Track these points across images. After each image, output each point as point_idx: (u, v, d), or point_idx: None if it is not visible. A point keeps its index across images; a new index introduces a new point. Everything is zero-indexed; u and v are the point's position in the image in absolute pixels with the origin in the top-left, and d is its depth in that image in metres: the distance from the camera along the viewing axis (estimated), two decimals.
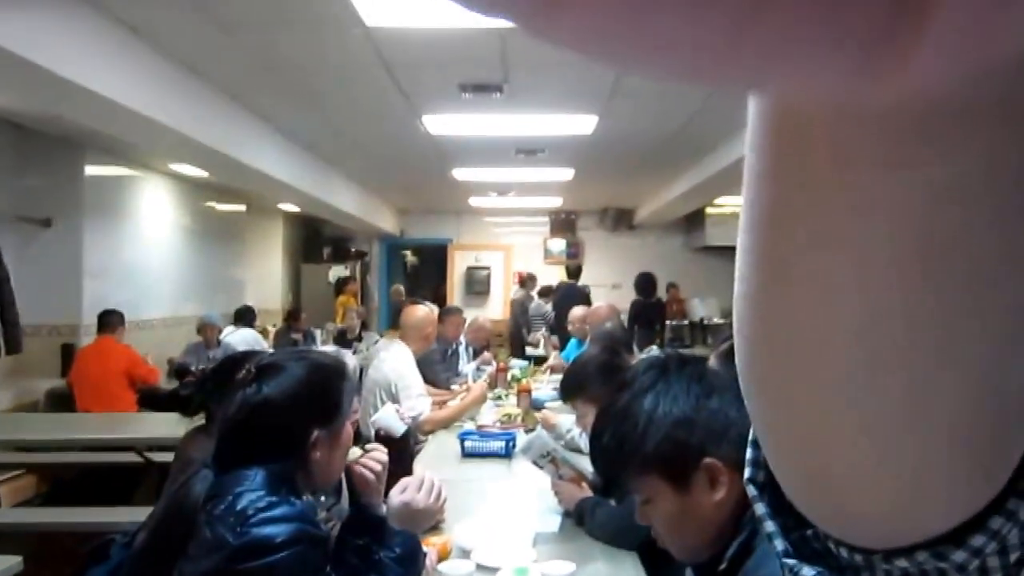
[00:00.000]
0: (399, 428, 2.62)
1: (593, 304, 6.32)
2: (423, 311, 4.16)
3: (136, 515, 3.09)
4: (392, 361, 3.91)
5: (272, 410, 1.42)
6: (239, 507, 1.32)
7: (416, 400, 3.79)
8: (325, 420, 1.48)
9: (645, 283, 8.37)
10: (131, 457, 4.51)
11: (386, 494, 2.51)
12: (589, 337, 4.93)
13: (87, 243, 6.19)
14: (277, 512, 1.32)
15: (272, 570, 1.30)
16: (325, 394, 1.50)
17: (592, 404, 2.36)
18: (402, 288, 10.49)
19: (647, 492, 1.17)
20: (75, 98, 3.60)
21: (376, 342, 8.10)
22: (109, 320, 5.73)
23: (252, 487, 1.35)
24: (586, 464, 2.45)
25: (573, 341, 6.01)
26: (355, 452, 1.67)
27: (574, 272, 9.22)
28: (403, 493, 1.78)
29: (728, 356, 1.46)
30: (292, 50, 4.03)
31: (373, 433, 2.77)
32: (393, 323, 8.88)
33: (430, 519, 1.85)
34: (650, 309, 8.39)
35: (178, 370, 5.16)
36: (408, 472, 2.70)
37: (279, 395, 1.43)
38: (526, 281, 9.74)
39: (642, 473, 1.15)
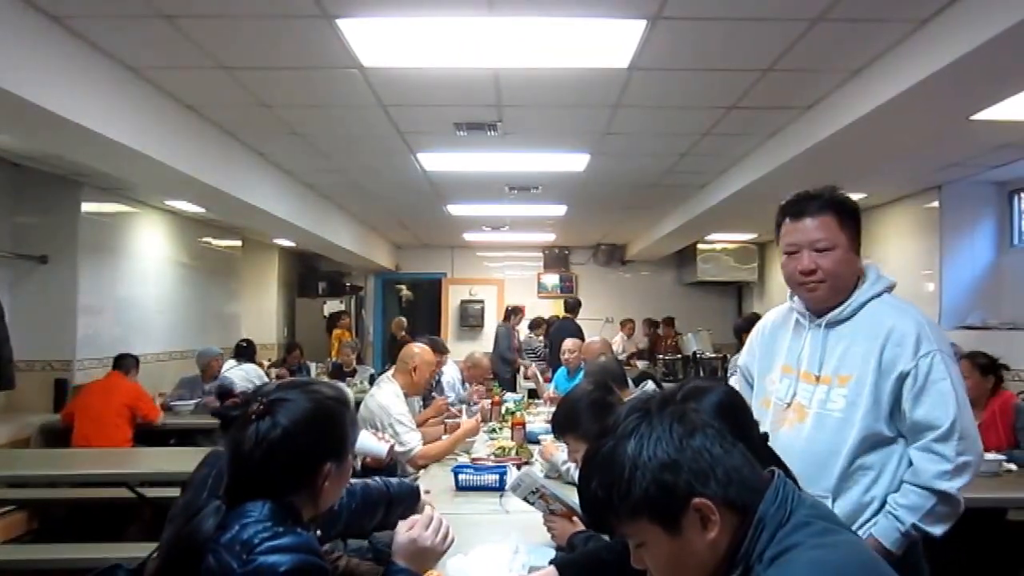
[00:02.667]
0: (381, 449, 2.64)
1: (586, 338, 6.38)
2: (412, 348, 4.20)
3: (127, 551, 3.10)
4: (380, 396, 3.94)
5: (288, 444, 1.42)
6: (245, 536, 1.32)
7: (406, 435, 3.81)
8: (336, 452, 1.49)
9: None
10: (123, 493, 4.50)
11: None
12: (584, 370, 4.98)
13: (82, 280, 6.23)
14: (283, 542, 1.32)
15: None
16: (335, 427, 1.51)
17: (584, 440, 2.38)
18: (404, 320, 10.48)
19: (640, 537, 1.17)
20: (73, 137, 3.66)
21: (371, 376, 8.15)
22: (125, 362, 5.96)
23: (259, 517, 1.35)
24: (576, 498, 2.48)
25: (562, 371, 6.06)
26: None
27: (572, 307, 9.26)
28: (410, 530, 1.74)
29: (719, 409, 1.49)
30: (290, 90, 4.12)
31: (359, 462, 2.78)
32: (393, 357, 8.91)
33: (435, 559, 1.82)
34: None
35: (220, 392, 5.29)
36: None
37: (293, 428, 1.43)
38: (509, 315, 9.73)
39: (632, 519, 1.14)
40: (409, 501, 2.38)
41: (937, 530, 1.86)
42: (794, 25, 3.17)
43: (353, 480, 2.10)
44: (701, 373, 8.68)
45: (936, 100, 3.43)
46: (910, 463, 1.90)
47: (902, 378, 1.87)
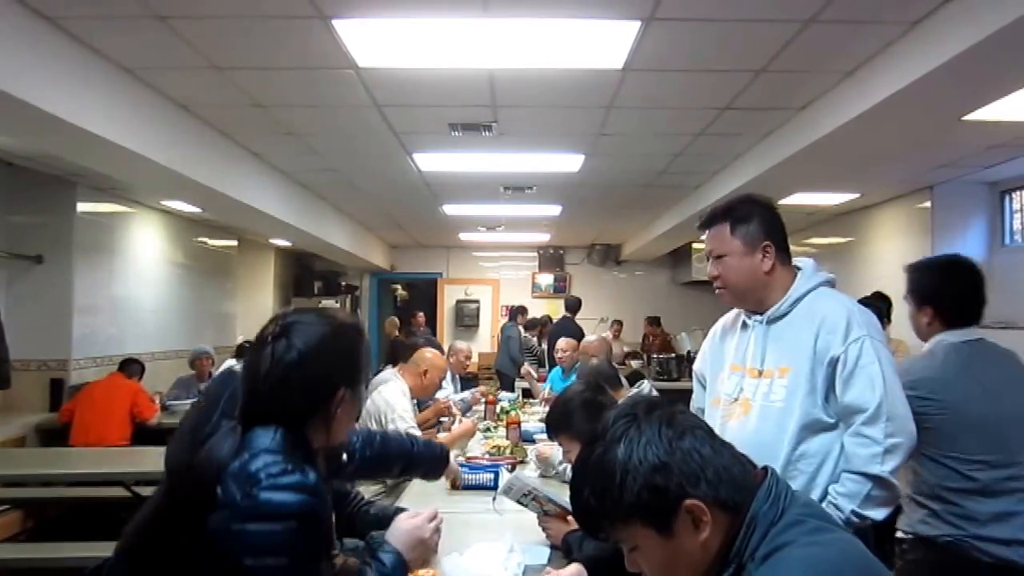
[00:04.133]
0: None
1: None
2: (424, 352, 4.26)
3: None
4: (386, 392, 3.99)
5: (304, 366, 1.41)
6: (253, 468, 1.31)
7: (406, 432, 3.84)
8: (351, 378, 1.48)
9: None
10: (119, 492, 4.50)
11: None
12: (576, 371, 5.00)
13: (78, 279, 6.24)
14: (288, 480, 1.31)
15: (271, 538, 1.29)
16: (350, 352, 1.50)
17: (577, 440, 2.40)
18: (396, 320, 10.51)
19: (633, 541, 1.18)
20: (68, 136, 3.67)
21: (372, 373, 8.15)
22: (130, 367, 6.09)
23: (270, 447, 1.35)
24: (567, 498, 2.50)
25: (557, 370, 6.07)
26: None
27: (572, 306, 9.27)
28: (414, 518, 1.83)
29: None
30: (286, 90, 4.13)
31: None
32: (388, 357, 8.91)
33: (425, 553, 1.87)
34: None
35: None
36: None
37: (310, 351, 1.42)
38: (516, 314, 9.78)
39: (625, 524, 1.16)
40: (432, 464, 2.44)
41: (878, 515, 1.88)
42: (787, 26, 3.20)
43: (375, 429, 2.15)
44: None
45: (928, 101, 3.45)
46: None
47: (833, 363, 1.92)
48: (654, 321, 10.57)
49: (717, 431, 1.96)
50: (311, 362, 1.42)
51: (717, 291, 2.13)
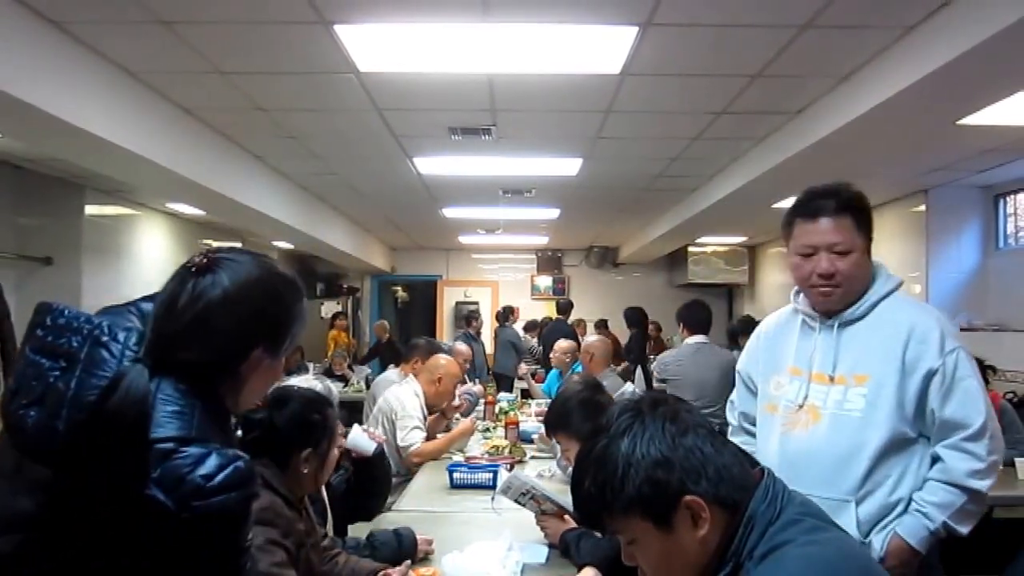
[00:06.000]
0: (369, 446, 2.67)
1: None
2: (440, 359, 4.27)
3: None
4: (399, 391, 4.05)
5: (225, 308, 1.17)
6: (183, 471, 1.05)
7: (410, 432, 3.88)
8: (272, 338, 1.24)
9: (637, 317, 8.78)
10: None
11: (358, 501, 2.64)
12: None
13: (86, 280, 6.28)
14: (224, 479, 1.07)
15: (213, 539, 1.09)
16: (279, 307, 1.26)
17: (574, 439, 2.44)
18: (386, 324, 10.55)
19: (631, 533, 1.18)
20: (74, 139, 3.71)
21: (366, 377, 8.21)
22: None
23: (184, 428, 1.08)
24: (566, 498, 2.54)
25: (554, 372, 6.11)
26: None
27: (564, 308, 9.29)
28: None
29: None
30: (288, 94, 4.16)
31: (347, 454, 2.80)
32: (388, 358, 9.00)
33: None
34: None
35: None
36: (381, 491, 2.78)
37: (235, 292, 1.18)
38: (506, 316, 9.72)
39: (625, 516, 1.16)
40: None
41: (964, 528, 1.83)
42: (783, 31, 3.23)
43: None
44: None
45: (923, 105, 3.48)
46: (932, 461, 1.87)
47: (929, 376, 1.83)
48: (601, 324, 10.03)
49: (775, 440, 1.99)
50: (235, 306, 1.18)
51: (825, 289, 1.93)
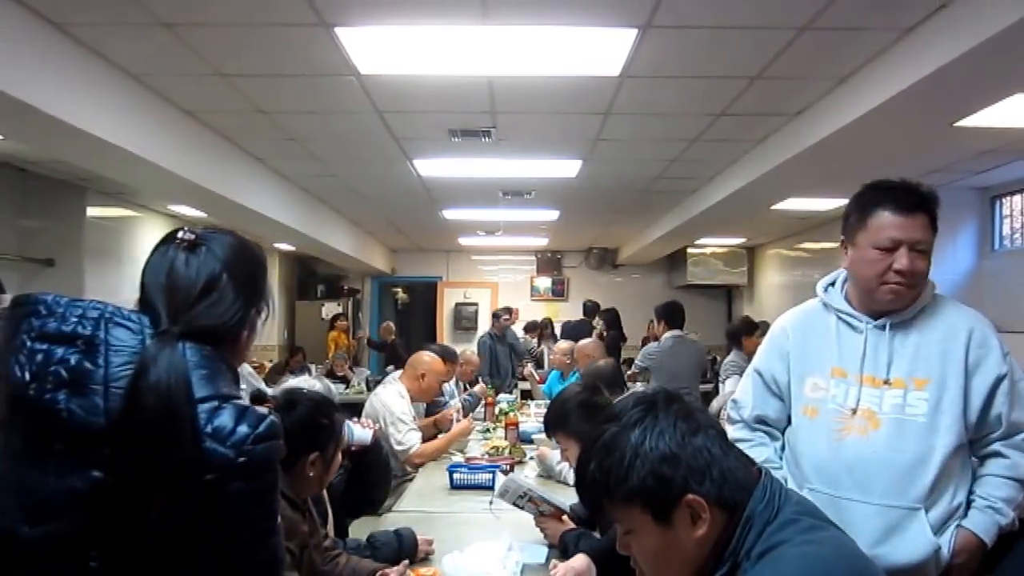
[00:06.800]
0: (366, 436, 2.69)
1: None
2: (420, 356, 4.28)
3: None
4: (384, 394, 4.03)
5: (228, 278, 1.27)
6: (231, 426, 1.14)
7: (406, 434, 3.88)
8: (263, 299, 1.35)
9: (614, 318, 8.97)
10: None
11: (361, 495, 2.65)
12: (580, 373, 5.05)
13: (88, 282, 6.29)
14: (265, 429, 1.17)
15: (262, 493, 1.19)
16: (262, 269, 1.37)
17: (573, 439, 2.46)
18: (392, 325, 10.56)
19: (629, 523, 1.19)
20: (77, 141, 3.72)
21: (366, 378, 8.24)
22: None
23: (223, 387, 1.18)
24: (563, 499, 2.56)
25: (555, 373, 6.13)
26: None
27: (590, 311, 9.24)
28: None
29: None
30: (289, 97, 4.18)
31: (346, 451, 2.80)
32: (390, 360, 9.04)
33: None
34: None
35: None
36: (383, 478, 2.79)
37: (232, 263, 1.28)
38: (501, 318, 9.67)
39: (626, 505, 1.17)
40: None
41: (1016, 523, 1.86)
42: (781, 34, 3.24)
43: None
44: None
45: (921, 107, 3.49)
46: (981, 460, 1.88)
47: (998, 381, 1.81)
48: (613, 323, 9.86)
49: (824, 446, 1.91)
50: (233, 274, 1.28)
51: (900, 287, 1.83)
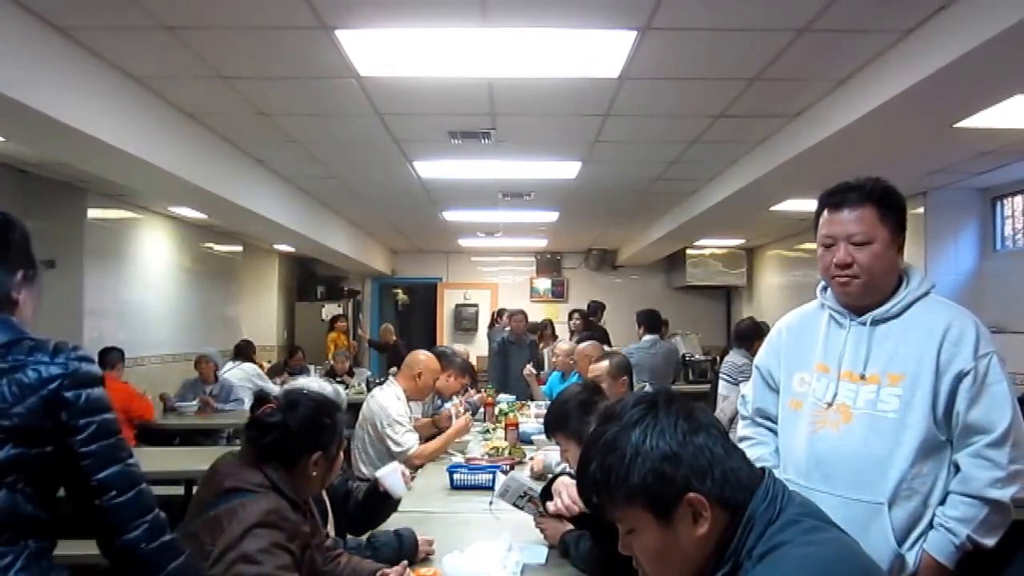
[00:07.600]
0: (400, 491, 2.61)
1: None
2: (416, 355, 4.27)
3: None
4: (380, 396, 4.02)
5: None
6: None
7: (403, 436, 3.88)
8: (24, 266, 1.58)
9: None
10: None
11: (364, 516, 2.63)
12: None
13: (88, 283, 6.32)
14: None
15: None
16: (11, 236, 1.61)
17: (573, 439, 2.46)
18: (391, 327, 10.57)
19: (630, 523, 1.19)
20: (78, 143, 3.73)
21: (367, 378, 8.25)
22: (109, 358, 5.90)
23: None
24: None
25: (555, 374, 6.13)
26: None
27: (593, 311, 9.24)
28: None
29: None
30: (289, 99, 4.19)
31: (373, 485, 2.65)
32: (391, 361, 9.05)
33: None
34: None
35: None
36: (388, 514, 2.74)
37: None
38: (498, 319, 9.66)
39: (627, 504, 1.16)
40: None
41: (990, 541, 1.77)
42: (781, 35, 3.25)
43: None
44: (691, 375, 8.83)
45: (920, 108, 3.50)
46: (956, 470, 1.80)
47: (959, 378, 1.78)
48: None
49: (802, 438, 1.94)
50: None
51: (843, 280, 1.88)
